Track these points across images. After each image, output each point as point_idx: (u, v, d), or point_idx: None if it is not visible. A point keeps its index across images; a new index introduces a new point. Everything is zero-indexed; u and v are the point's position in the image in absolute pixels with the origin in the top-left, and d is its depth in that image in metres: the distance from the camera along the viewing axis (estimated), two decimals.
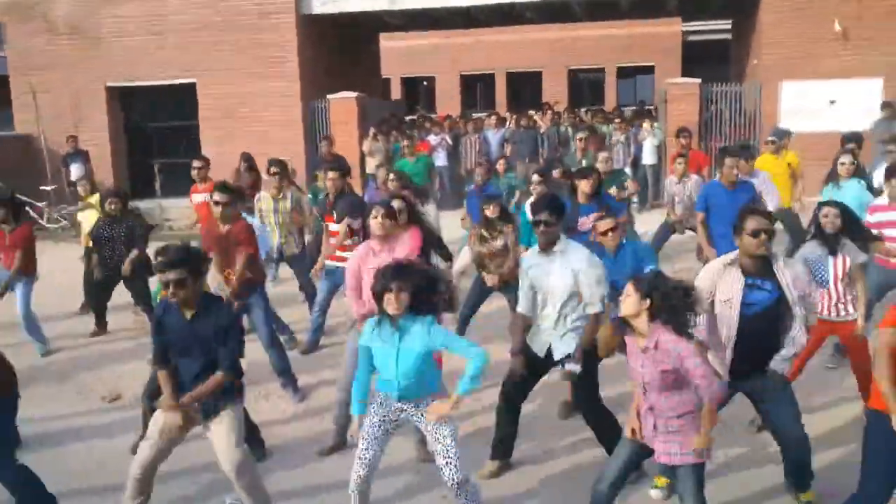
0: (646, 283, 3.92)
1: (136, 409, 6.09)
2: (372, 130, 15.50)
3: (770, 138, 9.83)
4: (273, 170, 8.70)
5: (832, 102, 15.21)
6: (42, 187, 16.69)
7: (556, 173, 8.53)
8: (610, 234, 5.84)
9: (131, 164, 18.13)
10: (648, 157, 15.73)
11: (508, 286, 7.05)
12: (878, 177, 8.76)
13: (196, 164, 9.51)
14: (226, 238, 6.58)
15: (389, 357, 4.25)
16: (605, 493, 4.22)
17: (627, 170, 15.30)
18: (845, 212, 5.57)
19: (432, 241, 6.63)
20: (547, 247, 5.00)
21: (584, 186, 7.27)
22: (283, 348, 6.88)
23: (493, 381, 5.79)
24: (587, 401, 5.17)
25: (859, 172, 7.80)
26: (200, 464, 5.41)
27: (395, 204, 5.83)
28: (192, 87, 17.01)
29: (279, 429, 6.20)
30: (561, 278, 4.95)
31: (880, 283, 6.58)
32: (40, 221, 15.92)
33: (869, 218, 6.62)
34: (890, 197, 6.59)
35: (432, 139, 16.24)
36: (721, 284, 4.46)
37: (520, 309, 5.20)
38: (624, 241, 5.96)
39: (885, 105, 13.87)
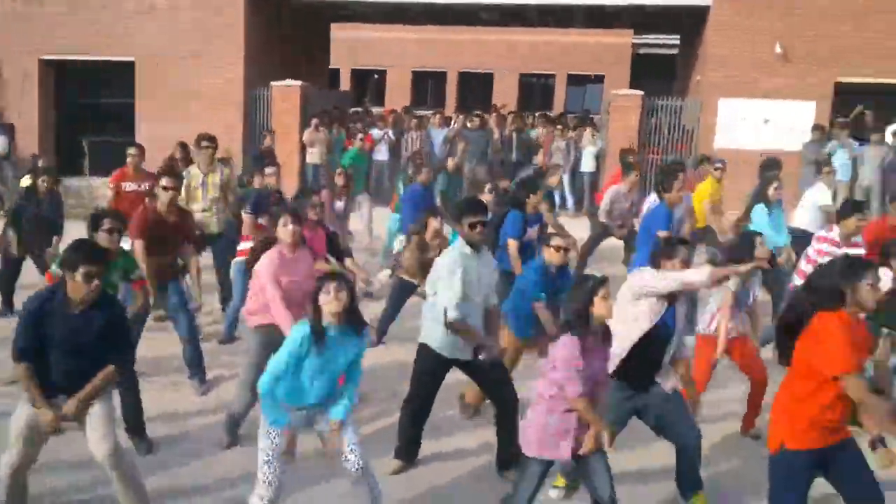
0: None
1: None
2: (314, 121, 15.34)
3: (718, 164, 9.97)
4: (205, 144, 8.51)
5: (766, 121, 15.52)
6: None
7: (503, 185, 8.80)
8: (563, 252, 6.02)
9: (60, 139, 17.65)
10: (587, 165, 15.86)
11: None
12: (809, 196, 9.02)
13: (132, 151, 9.17)
14: (172, 227, 6.46)
15: (320, 367, 4.24)
16: None
17: (566, 177, 15.45)
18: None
19: (337, 243, 6.83)
20: (480, 247, 5.07)
21: (534, 200, 7.46)
22: (199, 340, 6.76)
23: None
24: (508, 384, 5.18)
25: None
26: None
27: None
28: (130, 65, 16.63)
29: (185, 420, 6.08)
30: (487, 277, 5.09)
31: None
32: None
33: (815, 245, 6.92)
34: (844, 234, 6.81)
35: (375, 133, 16.13)
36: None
37: (455, 317, 4.96)
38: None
39: (816, 128, 14.24)
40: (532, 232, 7.40)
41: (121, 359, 4.40)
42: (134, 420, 5.48)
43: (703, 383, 5.78)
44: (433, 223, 7.28)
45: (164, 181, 6.52)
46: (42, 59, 16.86)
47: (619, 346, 4.54)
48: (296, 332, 4.21)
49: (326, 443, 4.44)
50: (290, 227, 5.34)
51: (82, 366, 4.28)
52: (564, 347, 4.00)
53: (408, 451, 5.35)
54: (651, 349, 4.61)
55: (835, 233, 6.91)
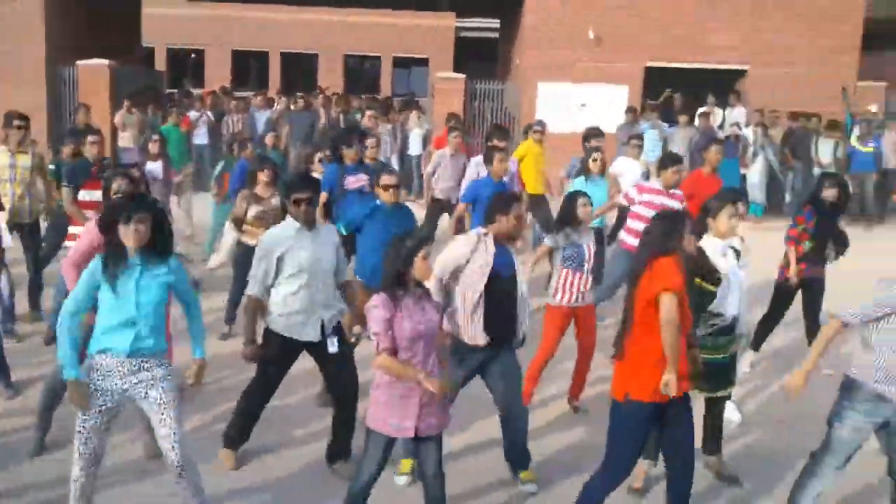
0: None
1: None
2: (126, 103, 14.52)
3: (537, 127, 10.35)
4: (17, 123, 7.70)
5: (583, 105, 16.17)
6: None
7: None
8: (392, 190, 6.07)
9: None
10: (415, 148, 15.92)
11: None
12: (614, 169, 9.54)
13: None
14: None
15: (126, 297, 3.92)
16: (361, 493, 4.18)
17: (395, 158, 15.47)
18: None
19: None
20: (309, 224, 4.90)
21: (349, 152, 7.65)
22: (1, 338, 6.22)
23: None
24: (351, 378, 5.05)
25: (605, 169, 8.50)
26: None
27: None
28: None
29: None
30: (327, 254, 4.93)
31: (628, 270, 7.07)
32: None
33: (637, 196, 7.41)
34: (664, 185, 7.30)
35: (192, 115, 15.48)
36: (478, 255, 4.72)
37: (255, 292, 4.89)
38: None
39: (629, 110, 15.01)
40: (354, 180, 7.51)
41: None
42: None
43: (548, 352, 5.92)
44: (262, 176, 7.15)
45: None
46: None
47: (463, 305, 4.66)
48: (93, 263, 3.99)
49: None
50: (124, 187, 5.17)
51: None
52: (374, 306, 3.99)
53: (240, 439, 5.15)
54: (497, 304, 4.69)
55: (656, 183, 7.43)
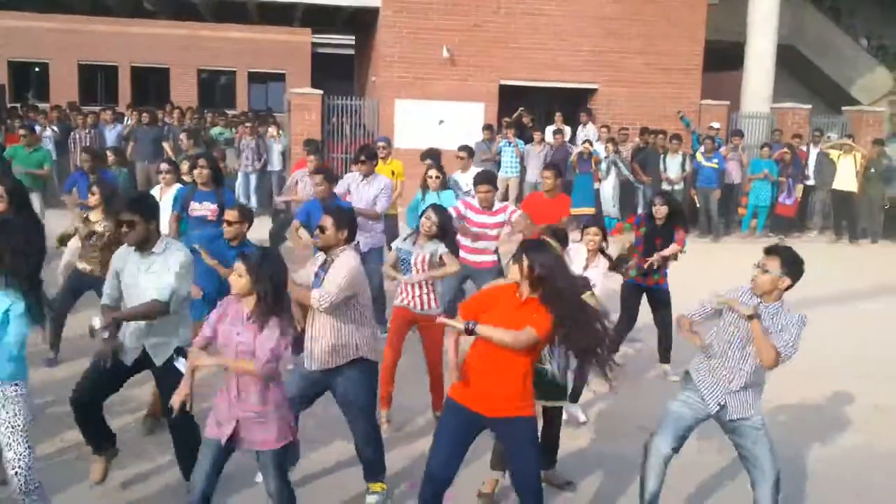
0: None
1: None
2: None
3: (381, 144, 10.60)
4: None
5: (441, 122, 16.67)
6: None
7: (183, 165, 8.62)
8: (234, 226, 6.11)
9: None
10: (276, 163, 15.88)
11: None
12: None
13: None
14: None
15: None
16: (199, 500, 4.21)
17: (253, 177, 15.41)
18: (445, 216, 6.27)
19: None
20: (139, 246, 4.79)
21: (196, 173, 7.33)
22: None
23: None
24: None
25: (446, 184, 8.73)
26: None
27: None
28: None
29: None
30: (158, 280, 4.73)
31: (460, 278, 7.35)
32: None
33: (463, 211, 7.52)
34: (481, 202, 7.48)
35: (37, 131, 14.92)
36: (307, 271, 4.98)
37: (108, 301, 4.90)
38: (245, 238, 6.23)
39: (486, 127, 15.62)
40: (201, 207, 7.19)
41: None
42: None
43: (393, 356, 6.09)
44: (91, 199, 6.99)
45: None
46: None
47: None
48: None
49: None
50: None
51: None
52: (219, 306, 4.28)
53: (105, 445, 5.10)
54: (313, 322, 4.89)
55: (475, 200, 7.62)
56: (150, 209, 4.85)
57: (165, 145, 15.18)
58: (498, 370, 4.14)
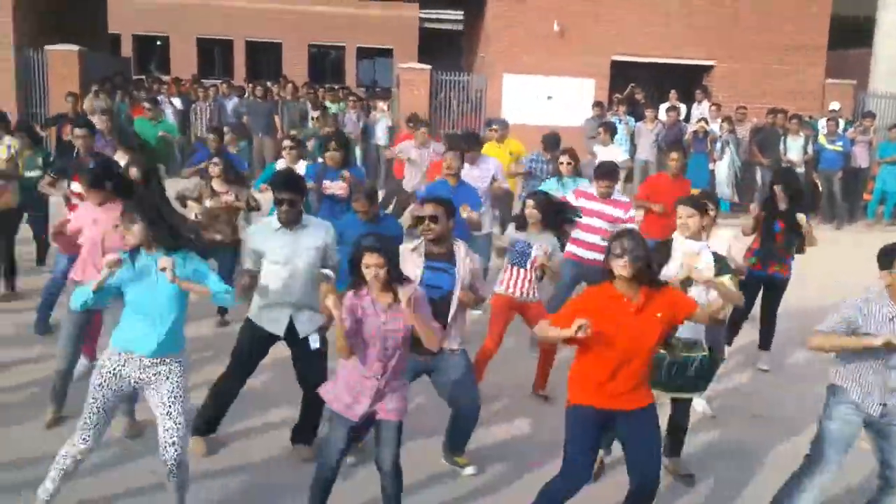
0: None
1: None
2: (94, 87, 14.59)
3: (494, 126, 10.42)
4: None
5: (549, 98, 16.52)
6: None
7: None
8: (365, 213, 6.09)
9: None
10: (381, 138, 16.12)
11: (226, 249, 7.35)
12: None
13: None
14: None
15: (147, 294, 4.11)
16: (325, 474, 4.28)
17: (358, 149, 15.68)
18: (546, 204, 6.14)
19: None
20: (289, 224, 4.94)
21: (328, 154, 7.52)
22: None
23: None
24: (321, 371, 5.05)
25: (578, 170, 8.35)
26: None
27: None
28: None
29: None
30: (307, 253, 4.92)
31: (574, 277, 7.12)
32: None
33: (573, 201, 7.20)
34: (599, 194, 7.19)
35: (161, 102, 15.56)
36: (406, 266, 4.66)
37: (249, 266, 5.07)
38: (380, 214, 6.27)
39: (596, 104, 15.34)
40: (331, 185, 7.43)
41: None
42: None
43: (494, 344, 6.05)
44: (212, 170, 7.43)
45: None
46: None
47: None
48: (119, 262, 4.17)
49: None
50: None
51: None
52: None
53: (209, 426, 5.27)
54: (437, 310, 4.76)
55: (592, 189, 7.35)
56: (304, 188, 5.07)
57: (276, 119, 15.61)
58: (626, 367, 4.09)
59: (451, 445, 5.18)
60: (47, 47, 15.49)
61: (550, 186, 8.00)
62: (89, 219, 5.35)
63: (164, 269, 4.00)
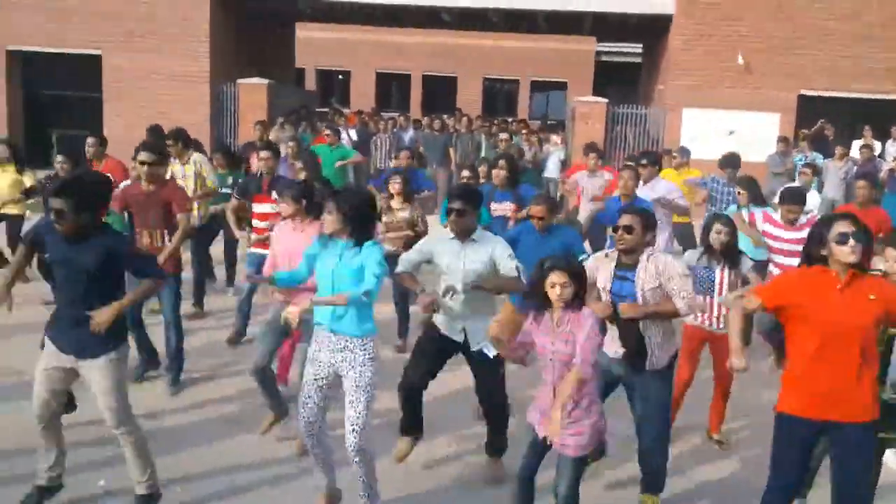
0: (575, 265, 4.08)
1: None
2: (280, 119, 15.31)
3: (674, 153, 10.16)
4: (169, 142, 8.36)
5: (731, 133, 15.83)
6: None
7: (481, 169, 8.84)
8: (541, 220, 6.01)
9: (28, 130, 17.39)
10: (552, 171, 15.97)
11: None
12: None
13: (90, 141, 9.13)
14: (150, 197, 6.40)
15: (327, 273, 4.37)
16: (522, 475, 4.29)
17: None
18: (735, 230, 5.83)
19: None
20: (459, 235, 5.01)
21: (494, 174, 7.67)
22: (182, 334, 6.68)
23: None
24: (495, 383, 5.11)
25: (758, 200, 7.94)
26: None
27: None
28: (96, 58, 16.44)
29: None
30: (473, 264, 4.95)
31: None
32: None
33: (759, 224, 7.05)
34: (784, 220, 6.94)
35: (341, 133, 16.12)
36: (599, 274, 4.75)
37: (405, 266, 5.16)
38: (553, 224, 6.16)
39: (781, 139, 14.54)
40: (499, 206, 7.50)
41: (151, 272, 4.48)
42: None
43: (686, 374, 5.80)
44: (392, 186, 7.67)
45: (141, 156, 6.42)
46: (9, 49, 16.59)
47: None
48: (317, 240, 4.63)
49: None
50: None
51: (85, 296, 4.28)
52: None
53: (410, 427, 5.28)
54: (625, 326, 4.70)
55: (778, 216, 7.09)
56: (479, 201, 5.12)
57: (451, 151, 15.80)
58: (838, 354, 3.75)
59: (642, 484, 4.93)
60: (239, 81, 16.43)
61: (731, 212, 7.66)
62: (284, 239, 5.62)
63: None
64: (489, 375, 5.08)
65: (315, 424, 4.49)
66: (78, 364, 4.35)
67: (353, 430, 4.33)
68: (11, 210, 8.98)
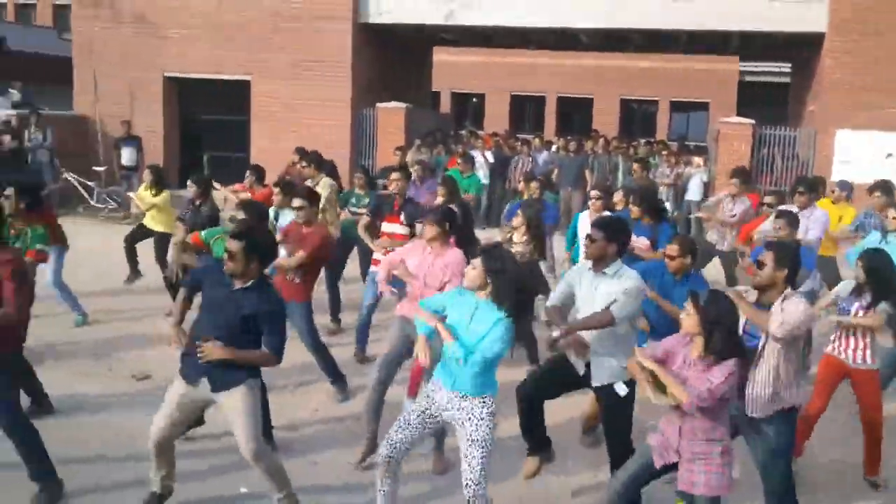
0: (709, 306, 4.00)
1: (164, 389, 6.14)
2: (417, 142, 15.54)
3: (835, 186, 9.59)
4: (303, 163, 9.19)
5: (889, 156, 14.90)
6: (94, 167, 16.95)
7: (617, 196, 8.50)
8: (676, 260, 5.66)
9: (182, 153, 18.35)
10: (694, 194, 15.46)
11: None
12: None
13: (248, 173, 9.73)
14: (302, 238, 6.64)
15: (459, 323, 4.28)
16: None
17: (669, 204, 15.08)
18: (874, 266, 5.40)
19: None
20: (594, 264, 4.82)
21: (633, 210, 7.40)
22: (327, 349, 6.88)
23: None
24: (621, 423, 4.92)
25: None
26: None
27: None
28: (246, 83, 17.19)
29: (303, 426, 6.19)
30: (602, 299, 4.71)
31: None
32: (89, 200, 16.26)
33: None
34: None
35: (476, 156, 16.17)
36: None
37: (554, 302, 5.02)
38: (692, 271, 5.83)
39: None
40: (636, 241, 6.95)
41: (276, 348, 4.52)
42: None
43: (816, 408, 5.53)
44: (515, 220, 7.57)
45: (295, 202, 6.80)
46: (166, 75, 17.61)
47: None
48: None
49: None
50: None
51: (229, 339, 4.42)
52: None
53: (538, 447, 5.15)
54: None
55: None
56: (616, 233, 4.86)
57: (587, 173, 15.57)
58: None
59: None
60: (378, 105, 16.79)
61: (873, 241, 7.21)
62: (413, 256, 5.67)
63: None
64: (615, 413, 4.88)
65: (399, 451, 4.36)
66: (211, 396, 4.52)
67: (468, 485, 4.22)
68: (159, 228, 9.48)
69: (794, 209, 7.78)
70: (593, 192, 8.25)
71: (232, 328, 4.40)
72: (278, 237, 6.67)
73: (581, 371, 4.90)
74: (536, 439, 5.11)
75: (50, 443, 4.91)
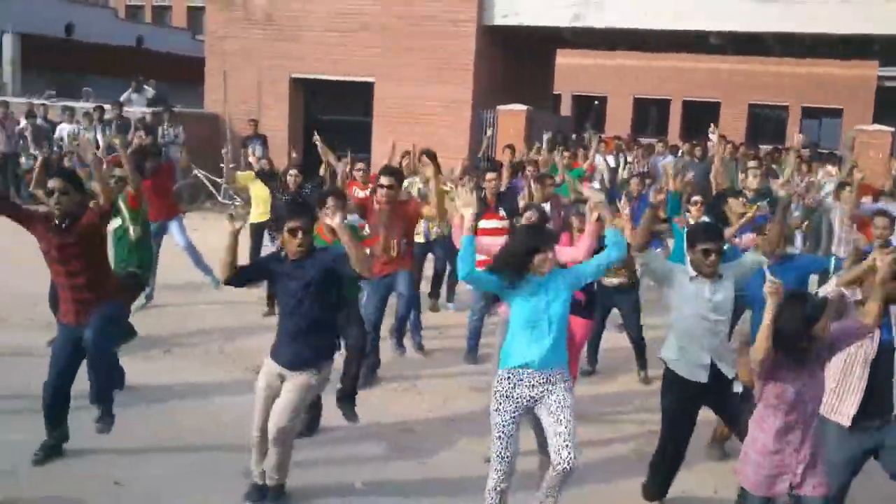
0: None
1: None
2: (536, 144, 15.42)
3: None
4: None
5: None
6: (221, 165, 17.54)
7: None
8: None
9: (307, 152, 18.82)
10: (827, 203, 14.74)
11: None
12: None
13: (359, 166, 10.26)
14: (395, 212, 6.91)
15: (540, 314, 4.33)
16: None
17: (797, 213, 14.44)
18: None
19: None
20: (713, 275, 4.78)
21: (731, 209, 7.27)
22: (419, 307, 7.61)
23: None
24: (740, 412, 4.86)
25: None
26: None
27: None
28: (369, 85, 17.50)
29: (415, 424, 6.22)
30: (725, 296, 4.80)
31: None
32: (217, 197, 16.90)
33: None
34: None
35: (597, 160, 15.93)
36: None
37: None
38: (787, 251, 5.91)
39: None
40: (737, 240, 6.97)
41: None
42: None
43: None
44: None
45: (381, 179, 6.99)
46: (293, 76, 18.14)
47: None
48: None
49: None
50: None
51: (302, 322, 4.70)
52: None
53: (657, 492, 5.08)
54: (875, 373, 4.28)
55: None
56: (715, 237, 4.92)
57: (712, 178, 15.07)
58: None
59: None
60: (499, 107, 16.76)
61: None
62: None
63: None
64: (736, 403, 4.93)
65: (515, 458, 4.42)
66: (287, 374, 4.72)
67: (567, 444, 4.24)
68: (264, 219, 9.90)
69: None
70: (694, 198, 8.21)
71: (313, 295, 4.66)
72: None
73: (703, 376, 4.79)
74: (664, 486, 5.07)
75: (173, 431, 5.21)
